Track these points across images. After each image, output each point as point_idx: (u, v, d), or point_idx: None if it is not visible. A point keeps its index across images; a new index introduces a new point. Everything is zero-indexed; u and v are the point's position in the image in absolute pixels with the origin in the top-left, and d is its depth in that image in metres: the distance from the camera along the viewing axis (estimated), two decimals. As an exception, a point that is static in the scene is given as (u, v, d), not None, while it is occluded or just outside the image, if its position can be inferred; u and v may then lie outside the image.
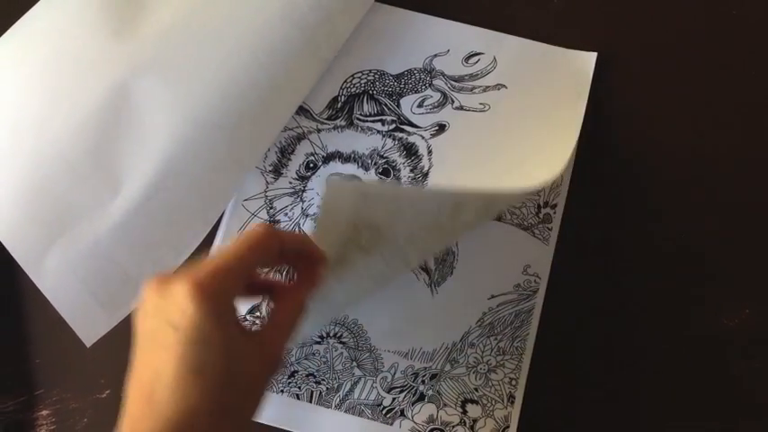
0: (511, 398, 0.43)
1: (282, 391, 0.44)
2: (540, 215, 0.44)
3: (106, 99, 0.40)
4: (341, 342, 0.44)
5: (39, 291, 0.42)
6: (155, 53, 0.41)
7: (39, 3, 0.43)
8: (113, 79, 0.40)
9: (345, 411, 0.43)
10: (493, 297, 0.44)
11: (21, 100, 0.41)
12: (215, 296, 0.27)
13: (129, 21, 0.41)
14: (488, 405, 0.43)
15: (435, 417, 0.43)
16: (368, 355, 0.44)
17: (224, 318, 0.27)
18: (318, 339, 0.44)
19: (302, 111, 0.46)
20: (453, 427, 0.43)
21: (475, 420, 0.43)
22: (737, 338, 0.43)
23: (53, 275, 0.41)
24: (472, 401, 0.43)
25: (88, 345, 0.43)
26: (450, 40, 0.46)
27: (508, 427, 0.42)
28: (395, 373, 0.43)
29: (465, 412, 0.43)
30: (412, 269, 0.44)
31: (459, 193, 0.36)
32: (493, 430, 0.42)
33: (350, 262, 0.36)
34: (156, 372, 0.26)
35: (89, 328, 0.43)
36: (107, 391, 0.45)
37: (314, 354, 0.44)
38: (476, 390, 0.43)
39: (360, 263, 0.37)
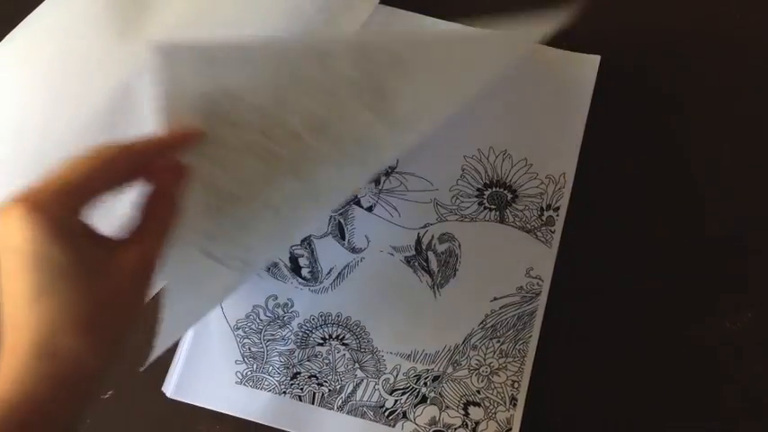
0: (513, 400, 0.43)
1: (285, 392, 0.44)
2: (543, 218, 0.44)
3: (111, 100, 0.40)
4: (343, 344, 0.44)
5: (41, 291, 0.42)
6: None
7: (44, 2, 0.43)
8: (118, 80, 0.40)
9: (347, 413, 0.43)
10: (495, 299, 0.44)
11: (25, 100, 0.41)
12: (56, 216, 0.26)
13: (134, 21, 0.41)
14: (491, 407, 0.43)
15: (437, 419, 0.43)
16: (370, 356, 0.44)
17: (68, 234, 0.26)
18: (321, 341, 0.44)
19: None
20: (455, 429, 0.43)
21: (477, 423, 0.43)
22: (739, 341, 0.43)
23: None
24: (474, 404, 0.43)
25: (91, 345, 0.43)
26: (453, 42, 0.46)
27: (510, 429, 0.42)
28: (397, 375, 0.44)
29: (467, 414, 0.43)
30: (311, 148, 0.34)
31: (319, 41, 0.32)
32: (495, 432, 0.43)
33: (221, 140, 0.32)
34: (12, 299, 0.26)
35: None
36: (110, 392, 0.44)
37: (316, 355, 0.44)
38: (478, 392, 0.43)
39: (232, 139, 0.32)
